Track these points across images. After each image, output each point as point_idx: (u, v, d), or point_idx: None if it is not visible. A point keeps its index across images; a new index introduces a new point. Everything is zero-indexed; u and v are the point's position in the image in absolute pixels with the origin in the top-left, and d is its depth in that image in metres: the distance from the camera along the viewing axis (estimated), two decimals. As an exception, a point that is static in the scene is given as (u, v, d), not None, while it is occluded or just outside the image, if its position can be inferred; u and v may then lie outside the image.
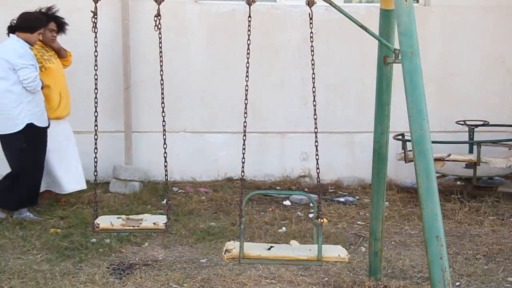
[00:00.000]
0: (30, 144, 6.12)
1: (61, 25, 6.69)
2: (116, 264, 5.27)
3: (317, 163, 4.02)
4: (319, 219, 3.87)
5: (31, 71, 6.08)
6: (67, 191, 6.69)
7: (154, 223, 4.15)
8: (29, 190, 6.26)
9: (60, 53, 6.71)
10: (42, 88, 6.23)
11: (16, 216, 6.27)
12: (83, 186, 6.80)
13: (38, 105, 6.21)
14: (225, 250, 3.93)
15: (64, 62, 6.75)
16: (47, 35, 6.55)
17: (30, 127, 6.11)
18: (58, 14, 6.67)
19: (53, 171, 6.56)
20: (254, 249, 3.91)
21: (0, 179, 6.45)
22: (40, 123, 6.21)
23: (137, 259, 5.39)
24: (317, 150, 4.00)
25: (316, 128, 4.05)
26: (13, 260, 5.27)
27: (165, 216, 4.23)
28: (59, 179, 6.59)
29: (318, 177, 4.06)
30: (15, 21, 6.27)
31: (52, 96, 6.48)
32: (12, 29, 6.26)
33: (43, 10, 6.52)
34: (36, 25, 6.22)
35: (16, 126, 6.09)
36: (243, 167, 4.06)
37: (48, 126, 6.32)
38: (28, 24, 6.20)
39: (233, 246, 3.93)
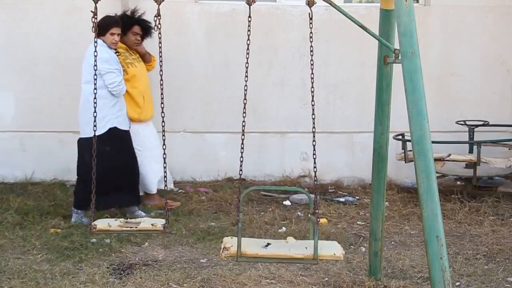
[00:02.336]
0: (113, 147, 6.15)
1: (146, 29, 6.64)
2: (116, 264, 5.26)
3: (314, 162, 4.02)
4: (315, 216, 3.86)
5: (116, 75, 6.11)
6: (152, 191, 6.72)
7: (152, 224, 4.15)
8: (111, 191, 6.16)
9: (145, 58, 6.71)
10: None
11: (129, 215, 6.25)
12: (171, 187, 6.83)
13: (121, 109, 6.29)
14: (223, 248, 3.93)
15: (147, 66, 6.76)
16: (131, 39, 6.54)
17: (113, 130, 6.14)
18: (144, 17, 6.64)
19: (143, 171, 6.56)
20: (251, 246, 3.89)
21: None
22: (123, 126, 6.29)
23: (137, 259, 5.40)
24: (314, 149, 4.00)
25: (314, 127, 4.04)
26: (13, 260, 5.27)
27: (163, 219, 4.22)
28: (145, 178, 6.59)
29: (315, 175, 4.06)
30: None
31: (136, 99, 6.51)
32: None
33: (127, 13, 6.47)
34: (101, 27, 6.01)
35: (99, 129, 6.09)
36: (241, 165, 4.06)
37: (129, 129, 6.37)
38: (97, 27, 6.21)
39: (230, 243, 3.92)
